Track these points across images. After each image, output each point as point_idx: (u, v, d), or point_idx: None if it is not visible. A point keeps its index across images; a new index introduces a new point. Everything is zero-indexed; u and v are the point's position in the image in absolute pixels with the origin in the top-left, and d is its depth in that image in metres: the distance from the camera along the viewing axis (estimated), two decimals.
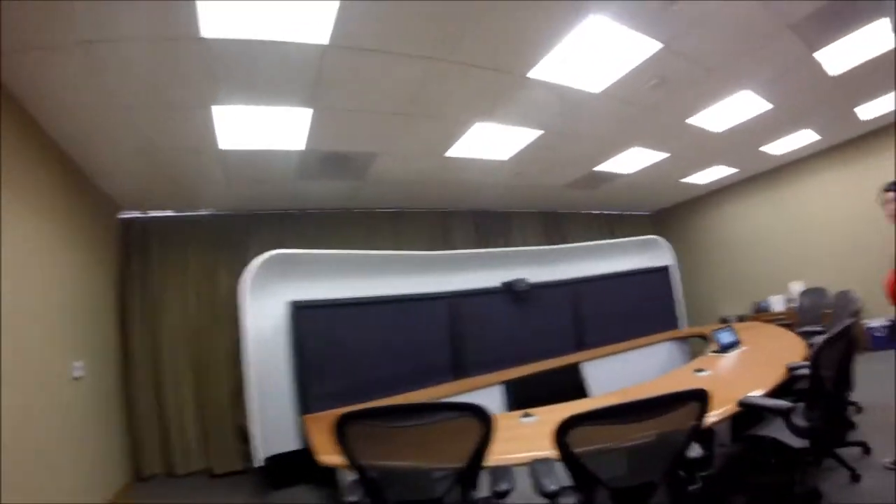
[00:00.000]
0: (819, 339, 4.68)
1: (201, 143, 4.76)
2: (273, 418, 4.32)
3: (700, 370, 4.11)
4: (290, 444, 4.36)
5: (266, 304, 4.58)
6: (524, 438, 2.82)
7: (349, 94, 4.31)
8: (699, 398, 2.02)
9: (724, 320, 9.44)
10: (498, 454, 2.29)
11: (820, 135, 8.03)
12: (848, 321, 3.20)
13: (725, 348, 4.89)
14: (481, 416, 2.10)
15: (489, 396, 5.32)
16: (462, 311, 5.72)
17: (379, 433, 2.18)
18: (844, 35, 4.92)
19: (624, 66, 4.64)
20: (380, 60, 3.86)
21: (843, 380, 3.11)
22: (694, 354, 7.37)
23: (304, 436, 4.09)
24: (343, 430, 2.13)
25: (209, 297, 6.40)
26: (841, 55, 5.32)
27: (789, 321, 7.48)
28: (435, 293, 5.60)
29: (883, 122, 7.89)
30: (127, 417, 5.63)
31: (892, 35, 4.98)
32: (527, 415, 3.29)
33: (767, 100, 6.11)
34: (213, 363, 6.21)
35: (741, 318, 9.38)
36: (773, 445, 2.98)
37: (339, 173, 6.05)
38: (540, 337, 6.31)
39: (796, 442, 2.86)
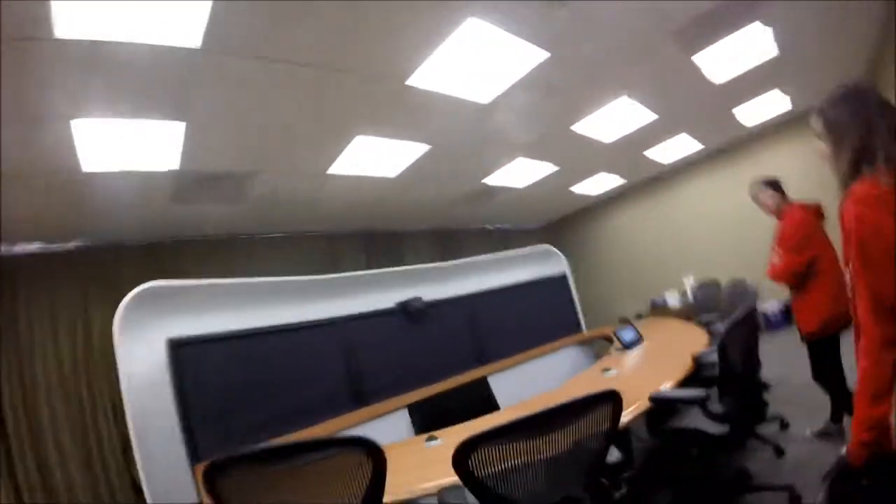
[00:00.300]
0: (719, 327, 4.83)
1: (62, 164, 4.11)
2: (166, 469, 3.72)
3: (607, 370, 3.98)
4: (189, 496, 3.78)
5: (143, 344, 3.97)
6: (430, 465, 2.56)
7: (225, 105, 3.90)
8: (611, 399, 1.85)
9: (624, 320, 9.66)
10: (401, 486, 2.07)
11: (700, 141, 8.50)
12: (749, 305, 3.22)
13: (629, 345, 4.84)
14: (368, 448, 1.77)
15: (394, 422, 4.95)
16: (357, 336, 5.32)
17: (256, 479, 1.81)
18: (722, 39, 5.08)
19: (512, 75, 4.54)
20: (256, 67, 3.50)
21: (752, 361, 3.08)
22: (599, 356, 7.41)
23: (197, 488, 3.57)
24: (213, 481, 1.72)
25: (85, 341, 5.62)
26: (720, 60, 5.53)
27: (686, 313, 7.68)
28: (327, 319, 5.17)
29: (760, 126, 8.62)
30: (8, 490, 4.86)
31: (772, 40, 5.25)
32: (431, 438, 2.97)
33: (650, 107, 6.29)
34: (101, 412, 5.47)
35: (640, 316, 9.69)
36: (693, 435, 2.90)
37: (219, 195, 5.52)
38: (441, 355, 6.02)
39: (715, 428, 2.81)
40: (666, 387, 3.02)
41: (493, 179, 7.46)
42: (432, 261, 8.90)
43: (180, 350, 4.04)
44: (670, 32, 4.64)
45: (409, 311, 5.83)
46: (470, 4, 3.49)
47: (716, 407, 2.84)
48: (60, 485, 5.12)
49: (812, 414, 3.95)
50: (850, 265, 1.49)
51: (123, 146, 4.04)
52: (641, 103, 6.12)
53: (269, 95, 3.93)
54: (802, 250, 3.59)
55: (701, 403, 2.73)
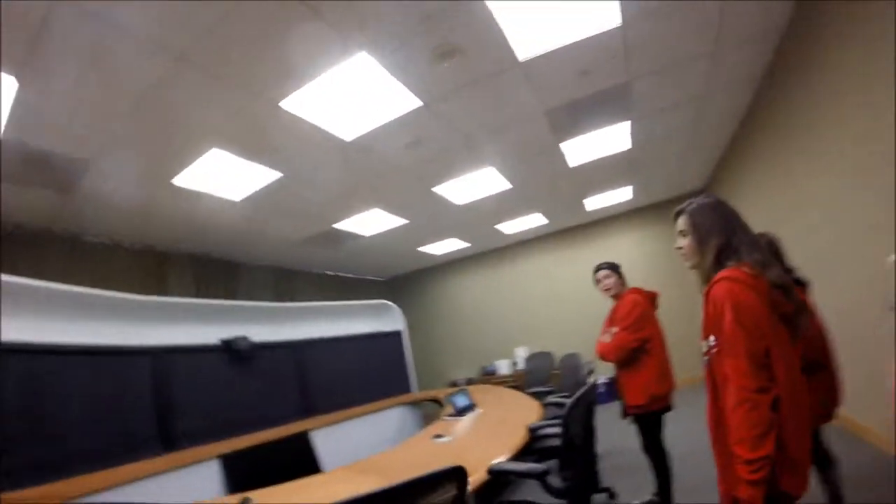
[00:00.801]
0: (552, 399, 4.93)
1: None
2: None
3: (439, 436, 3.81)
4: None
5: None
6: None
7: (70, 68, 3.24)
8: (457, 477, 1.68)
9: (453, 384, 9.74)
10: None
11: (548, 219, 8.99)
12: (591, 381, 3.34)
13: (461, 411, 4.74)
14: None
15: (204, 473, 4.35)
16: (171, 371, 4.72)
17: None
18: (589, 131, 5.57)
19: (382, 118, 4.47)
20: (113, 33, 3.00)
21: (589, 434, 3.08)
22: (427, 418, 7.28)
23: None
24: None
25: None
26: (582, 149, 6.04)
27: (516, 383, 7.81)
28: (138, 346, 4.55)
29: (605, 214, 9.47)
30: None
31: (629, 138, 5.84)
32: (245, 500, 2.57)
33: (509, 180, 6.51)
34: None
35: (470, 381, 9.82)
36: None
37: (43, 179, 4.65)
38: (264, 402, 5.54)
39: (553, 502, 2.75)
40: (501, 458, 2.90)
41: (342, 224, 7.23)
42: (266, 299, 8.39)
43: None
44: (546, 111, 4.84)
45: (233, 351, 5.33)
46: (365, 41, 3.39)
47: (555, 481, 2.78)
48: None
49: (639, 484, 4.19)
50: (716, 335, 1.69)
51: None
52: (502, 174, 6.31)
53: (128, 75, 3.41)
54: (638, 330, 3.80)
55: (541, 477, 2.65)
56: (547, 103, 4.74)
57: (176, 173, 4.87)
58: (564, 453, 2.80)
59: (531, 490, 2.86)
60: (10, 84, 3.28)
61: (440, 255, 10.52)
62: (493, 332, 10.63)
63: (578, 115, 5.12)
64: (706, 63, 4.53)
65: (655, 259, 8.76)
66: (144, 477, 3.85)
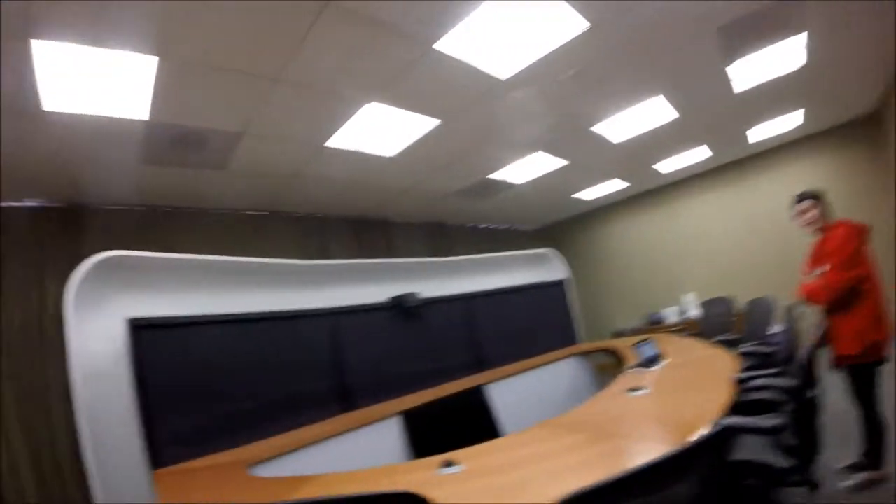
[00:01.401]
0: (745, 348, 4.43)
1: (19, 100, 3.36)
2: (122, 471, 3.14)
3: (635, 389, 3.47)
4: None
5: (100, 323, 3.37)
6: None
7: (210, 40, 3.21)
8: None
9: (618, 334, 9.31)
10: None
11: (712, 152, 8.15)
12: (822, 325, 2.87)
13: (649, 362, 4.35)
14: None
15: (386, 432, 4.40)
16: (346, 332, 4.79)
17: None
18: (761, 48, 4.86)
19: (541, 49, 4.05)
20: None
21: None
22: (597, 370, 7.01)
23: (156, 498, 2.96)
24: None
25: (36, 315, 4.82)
26: (750, 71, 5.33)
27: (691, 332, 7.26)
28: (314, 310, 4.62)
29: (772, 144, 8.40)
30: None
31: (805, 52, 5.03)
32: (448, 463, 2.43)
33: (676, 108, 5.87)
34: (54, 401, 4.67)
35: (635, 331, 9.24)
36: (758, 470, 2.45)
37: (195, 158, 4.81)
38: (435, 358, 5.53)
39: (780, 461, 2.41)
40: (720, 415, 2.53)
41: (496, 174, 6.97)
42: (423, 255, 8.42)
43: (142, 333, 3.43)
44: (716, 27, 4.26)
45: (403, 308, 5.32)
46: None
47: (789, 438, 2.43)
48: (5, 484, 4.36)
49: (840, 445, 3.66)
50: None
51: (88, 82, 3.37)
52: (670, 102, 5.72)
53: (270, 37, 3.31)
54: (852, 267, 3.27)
55: (777, 433, 2.37)
56: (719, 18, 4.14)
57: (330, 135, 4.81)
58: (797, 407, 2.42)
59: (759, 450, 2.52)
60: (152, 63, 3.29)
61: (592, 201, 9.97)
62: (656, 279, 9.94)
63: (751, 28, 4.43)
64: None
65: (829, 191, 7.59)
66: (326, 438, 3.90)
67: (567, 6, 3.53)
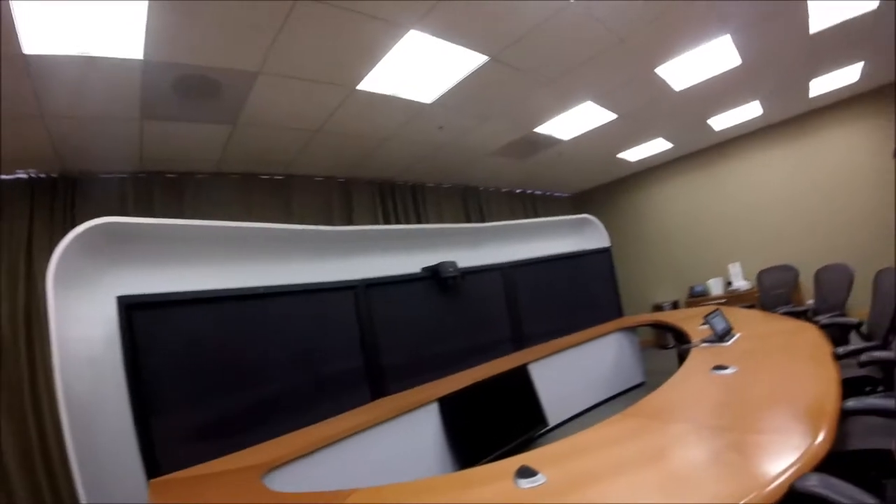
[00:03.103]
0: (826, 319, 3.89)
1: None
2: (113, 478, 2.61)
3: (721, 367, 2.85)
4: None
5: (88, 301, 2.83)
6: None
7: None
8: None
9: (658, 307, 8.75)
10: None
11: (764, 109, 7.41)
12: None
13: (721, 337, 3.72)
14: None
15: (426, 422, 3.84)
16: (375, 306, 4.23)
17: None
18: None
19: None
20: None
21: None
22: (641, 346, 6.44)
23: None
24: None
25: (26, 291, 4.28)
26: (827, 10, 4.66)
27: (747, 303, 6.66)
28: (340, 282, 4.06)
29: (829, 100, 7.57)
30: None
31: None
32: (525, 472, 1.83)
33: (741, 53, 5.23)
34: (44, 388, 4.16)
35: (675, 305, 8.90)
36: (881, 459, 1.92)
37: (201, 110, 4.13)
38: (474, 335, 5.01)
39: None
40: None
41: (542, 127, 6.27)
42: (455, 220, 7.82)
43: (134, 314, 2.86)
44: None
45: (441, 279, 4.74)
46: None
47: None
48: None
49: None
50: None
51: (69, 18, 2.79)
52: (735, 45, 4.99)
53: None
54: None
55: None
56: None
57: (364, 75, 4.10)
58: None
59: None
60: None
61: (635, 162, 9.19)
62: (698, 249, 9.17)
63: None
64: None
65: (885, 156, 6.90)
66: (355, 432, 3.31)
67: None
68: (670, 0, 3.88)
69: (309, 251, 4.10)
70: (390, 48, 3.77)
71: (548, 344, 5.48)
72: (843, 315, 4.12)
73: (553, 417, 4.86)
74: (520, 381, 4.77)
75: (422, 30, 3.63)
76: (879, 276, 3.38)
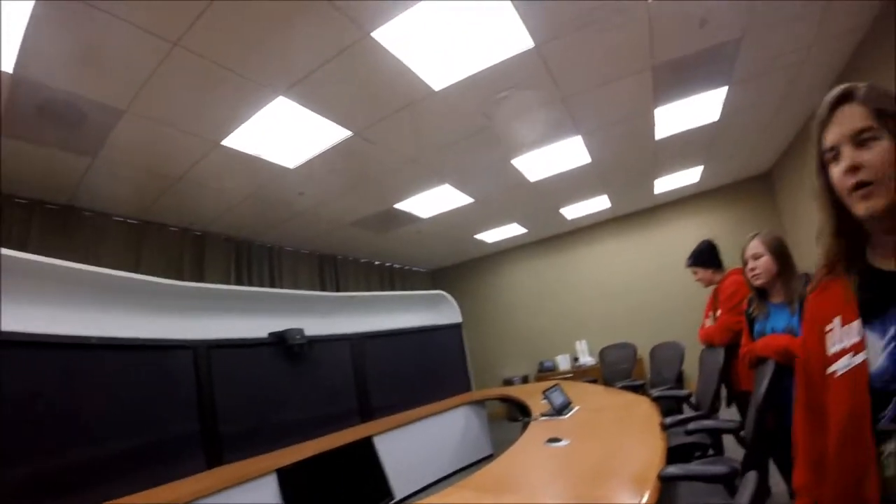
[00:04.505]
0: (658, 392, 4.30)
1: None
2: None
3: (554, 440, 3.01)
4: None
5: None
6: None
7: None
8: None
9: (508, 381, 9.01)
10: None
11: (611, 203, 8.30)
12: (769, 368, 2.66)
13: (560, 410, 3.93)
14: None
15: (263, 493, 3.61)
16: (217, 368, 4.04)
17: None
18: (683, 98, 4.94)
19: (480, 62, 3.71)
20: None
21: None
22: (491, 419, 6.57)
23: None
24: None
25: None
26: (671, 120, 5.40)
27: (589, 378, 7.10)
28: (179, 340, 3.85)
29: (671, 197, 8.69)
30: None
31: (720, 107, 5.27)
32: None
33: (592, 153, 5.88)
34: None
35: (525, 379, 9.21)
36: None
37: (63, 136, 3.81)
38: (320, 405, 4.91)
39: None
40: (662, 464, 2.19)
41: (402, 204, 6.49)
42: (311, 287, 7.71)
43: None
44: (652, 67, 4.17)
45: (287, 346, 4.62)
46: None
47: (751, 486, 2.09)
48: None
49: None
50: None
51: None
52: (587, 146, 5.61)
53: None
54: (740, 312, 3.30)
55: (731, 480, 2.07)
56: (657, 57, 4.01)
57: (230, 130, 4.05)
58: (756, 450, 2.24)
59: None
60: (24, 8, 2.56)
61: (491, 244, 9.73)
62: (549, 326, 9.75)
63: (681, 76, 4.42)
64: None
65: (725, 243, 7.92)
66: (191, 501, 3.10)
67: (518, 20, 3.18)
68: (532, 93, 4.26)
69: (149, 304, 3.84)
70: (259, 109, 3.81)
71: (396, 416, 5.45)
72: (675, 388, 4.55)
73: (400, 490, 4.80)
74: (365, 453, 4.69)
75: (290, 98, 3.73)
76: (703, 353, 3.83)
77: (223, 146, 4.26)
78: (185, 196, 5.24)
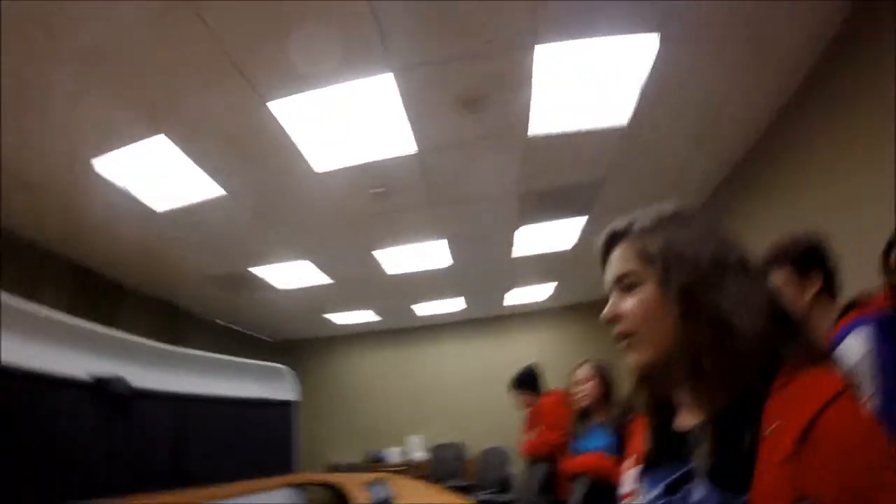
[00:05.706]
0: (484, 496, 4.50)
1: None
2: None
3: None
4: None
5: None
6: None
7: None
8: None
9: (335, 468, 8.81)
10: None
11: (467, 304, 8.70)
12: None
13: None
14: None
15: None
16: (19, 409, 3.64)
17: None
18: (544, 222, 5.49)
19: (363, 156, 3.97)
20: None
21: None
22: (313, 502, 6.37)
23: None
24: None
25: None
26: (531, 241, 5.94)
27: (418, 473, 7.15)
28: None
29: (522, 310, 9.38)
30: None
31: (578, 234, 5.82)
32: None
33: (453, 257, 6.27)
34: None
35: (353, 467, 8.93)
36: None
37: None
38: (133, 463, 4.49)
39: None
40: None
41: (258, 269, 6.44)
42: (148, 336, 7.21)
43: None
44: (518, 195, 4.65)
45: (108, 393, 4.29)
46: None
47: None
48: None
49: None
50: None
51: None
52: (450, 251, 5.98)
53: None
54: (559, 428, 3.71)
55: None
56: (527, 185, 4.49)
57: (99, 153, 3.82)
58: None
59: None
60: None
61: (340, 326, 9.73)
62: (384, 417, 9.76)
63: (544, 204, 4.99)
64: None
65: (568, 358, 8.60)
66: None
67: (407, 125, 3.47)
68: (405, 195, 4.52)
69: None
70: (135, 141, 3.68)
71: (213, 489, 5.10)
72: (499, 492, 4.81)
73: None
74: None
75: (172, 139, 3.68)
76: (528, 463, 4.20)
77: (93, 167, 4.00)
78: (34, 209, 4.76)
